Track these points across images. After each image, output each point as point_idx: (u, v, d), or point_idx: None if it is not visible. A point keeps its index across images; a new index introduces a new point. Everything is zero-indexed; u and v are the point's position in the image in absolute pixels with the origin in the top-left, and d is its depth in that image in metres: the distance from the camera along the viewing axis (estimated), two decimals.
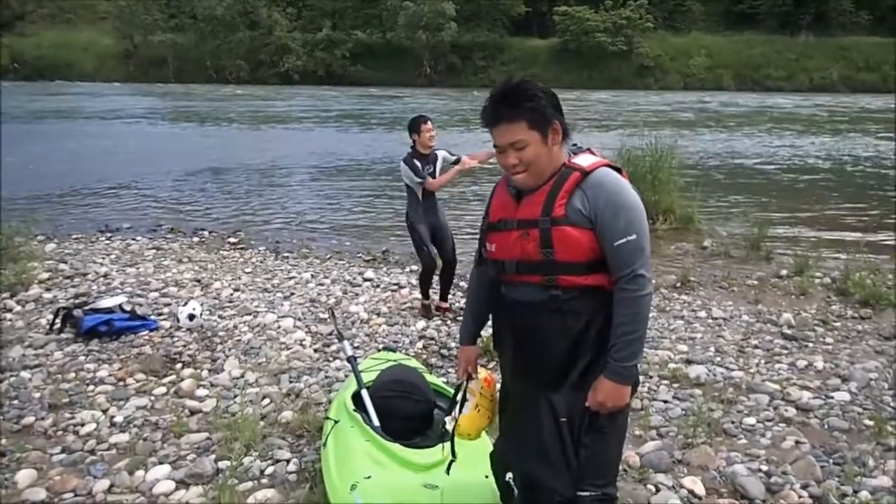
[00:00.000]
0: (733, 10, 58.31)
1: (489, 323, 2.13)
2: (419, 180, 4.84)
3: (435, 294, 5.28)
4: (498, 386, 2.15)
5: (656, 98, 39.31)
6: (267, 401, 3.61)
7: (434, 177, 4.88)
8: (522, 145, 1.76)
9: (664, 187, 8.02)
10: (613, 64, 53.58)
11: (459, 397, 2.15)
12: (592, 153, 1.87)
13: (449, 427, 2.18)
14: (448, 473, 2.19)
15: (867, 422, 3.38)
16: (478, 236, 2.05)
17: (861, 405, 3.58)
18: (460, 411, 2.13)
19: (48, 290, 5.43)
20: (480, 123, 1.86)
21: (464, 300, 5.28)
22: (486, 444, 2.30)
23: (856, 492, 2.77)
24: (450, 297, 5.39)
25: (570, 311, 1.77)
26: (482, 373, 2.13)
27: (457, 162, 4.91)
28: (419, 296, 5.33)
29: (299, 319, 4.91)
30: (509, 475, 1.96)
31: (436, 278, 5.21)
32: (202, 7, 57.20)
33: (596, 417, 1.81)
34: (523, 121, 1.75)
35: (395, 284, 5.87)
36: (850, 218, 9.14)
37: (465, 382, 2.14)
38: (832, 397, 3.67)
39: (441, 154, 4.94)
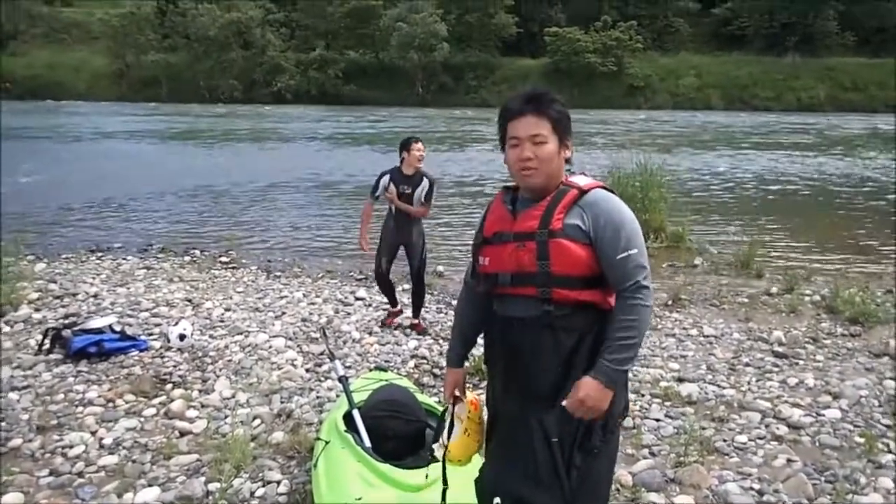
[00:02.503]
0: (721, 32, 59.37)
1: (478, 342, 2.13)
2: (371, 196, 5.07)
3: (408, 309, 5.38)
4: (485, 408, 2.13)
5: (646, 118, 39.71)
6: (258, 421, 3.59)
7: (411, 196, 4.95)
8: (542, 140, 1.80)
9: (655, 206, 8.08)
10: (603, 84, 54.26)
11: (447, 422, 2.11)
12: (586, 175, 1.91)
13: (438, 454, 2.15)
14: (444, 502, 2.15)
15: (858, 439, 3.38)
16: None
17: (852, 422, 3.59)
18: (449, 436, 2.10)
19: (37, 310, 5.39)
20: (500, 117, 1.88)
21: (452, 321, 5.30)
22: (477, 464, 2.28)
23: None
24: (430, 315, 5.42)
25: (561, 328, 1.77)
26: (469, 396, 2.10)
27: (428, 196, 4.99)
28: (409, 314, 5.34)
29: (291, 339, 4.89)
30: (497, 501, 1.89)
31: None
32: (195, 27, 57.65)
33: (588, 438, 1.79)
34: (548, 121, 1.81)
35: (387, 304, 5.85)
36: (839, 236, 9.22)
37: (450, 406, 2.10)
38: (823, 415, 3.68)
39: (427, 180, 4.97)
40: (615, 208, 1.78)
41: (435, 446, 2.14)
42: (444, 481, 2.13)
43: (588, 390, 1.73)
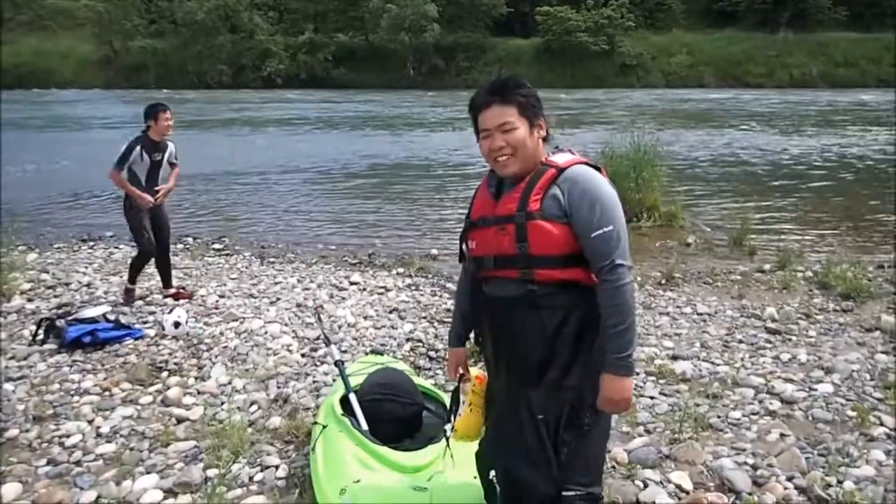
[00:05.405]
0: (713, 8, 58.88)
1: None
2: (117, 166, 5.10)
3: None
4: None
5: (639, 96, 39.57)
6: (255, 407, 3.60)
7: (161, 163, 5.27)
8: (510, 127, 1.81)
9: (648, 185, 8.08)
10: (596, 63, 53.93)
11: (459, 400, 2.14)
12: (572, 153, 1.90)
13: (450, 433, 2.18)
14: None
15: (850, 413, 3.42)
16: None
17: (844, 396, 3.63)
18: (456, 413, 2.13)
19: (30, 300, 5.37)
20: (469, 111, 1.91)
21: (450, 302, 5.31)
22: (475, 445, 2.30)
23: (840, 482, 2.80)
24: (425, 298, 5.45)
25: (546, 307, 1.80)
26: (474, 372, 2.13)
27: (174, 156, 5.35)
28: (405, 298, 5.34)
29: (286, 324, 4.88)
30: (493, 473, 1.97)
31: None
32: (182, 12, 56.88)
33: (576, 415, 1.82)
34: (514, 106, 1.82)
35: (381, 287, 5.87)
36: (831, 212, 9.26)
37: (458, 385, 2.14)
38: (816, 389, 3.71)
39: (171, 147, 5.29)
40: (591, 184, 1.77)
41: (447, 426, 2.17)
42: (450, 455, 2.17)
43: (605, 387, 1.78)
